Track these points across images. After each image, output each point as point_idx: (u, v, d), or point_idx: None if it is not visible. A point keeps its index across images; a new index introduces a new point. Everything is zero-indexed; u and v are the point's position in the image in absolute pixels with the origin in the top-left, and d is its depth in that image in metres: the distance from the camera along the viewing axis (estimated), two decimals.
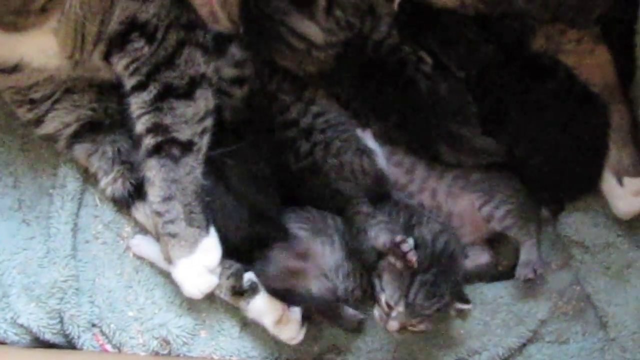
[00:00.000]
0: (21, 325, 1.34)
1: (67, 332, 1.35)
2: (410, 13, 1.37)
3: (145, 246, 1.40)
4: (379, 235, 1.27)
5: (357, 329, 1.33)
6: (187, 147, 1.30)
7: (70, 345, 1.36)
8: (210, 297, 1.36)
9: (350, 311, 1.33)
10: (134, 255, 1.41)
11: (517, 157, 1.35)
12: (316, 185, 1.35)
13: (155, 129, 1.29)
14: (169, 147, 1.29)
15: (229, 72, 1.40)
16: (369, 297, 1.33)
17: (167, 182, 1.30)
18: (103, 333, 1.37)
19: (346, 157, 1.35)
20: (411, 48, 1.38)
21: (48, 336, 1.34)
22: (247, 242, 1.32)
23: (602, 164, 1.34)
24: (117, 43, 1.29)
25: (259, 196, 1.34)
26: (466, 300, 1.29)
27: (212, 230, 1.32)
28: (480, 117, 1.37)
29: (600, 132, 1.33)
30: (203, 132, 1.32)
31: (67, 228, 1.40)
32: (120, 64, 1.31)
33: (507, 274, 1.36)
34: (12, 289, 1.36)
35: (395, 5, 1.38)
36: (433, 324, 1.28)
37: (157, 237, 1.35)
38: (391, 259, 1.26)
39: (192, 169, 1.31)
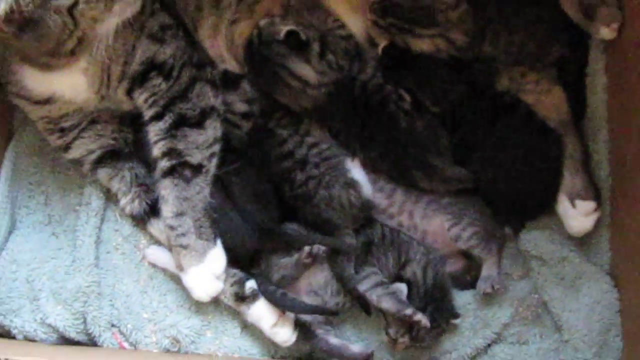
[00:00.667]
0: (49, 325, 1.35)
1: (90, 331, 1.36)
2: (392, 56, 1.39)
3: (158, 255, 1.41)
4: (381, 300, 1.27)
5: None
6: (197, 169, 1.33)
7: (92, 342, 1.37)
8: (215, 301, 1.38)
9: (356, 349, 1.32)
10: (149, 263, 1.42)
11: (483, 182, 1.37)
12: (307, 212, 1.36)
13: (169, 153, 1.32)
14: (181, 169, 1.32)
15: (240, 107, 1.43)
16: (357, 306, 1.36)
17: (180, 200, 1.32)
18: (121, 332, 1.38)
19: (334, 190, 1.35)
20: (393, 87, 1.40)
21: (73, 335, 1.36)
22: (251, 252, 1.35)
23: (557, 188, 1.36)
24: (138, 80, 1.33)
25: (262, 212, 1.35)
26: (456, 315, 1.32)
27: (219, 242, 1.34)
28: (452, 147, 1.39)
29: (555, 161, 1.35)
30: (211, 156, 1.35)
31: (90, 240, 1.41)
32: (140, 97, 1.34)
33: (474, 284, 1.36)
34: (41, 293, 1.37)
35: (379, 50, 1.40)
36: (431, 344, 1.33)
37: (170, 248, 1.36)
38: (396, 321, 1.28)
39: (201, 188, 1.33)
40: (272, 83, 1.38)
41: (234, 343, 1.39)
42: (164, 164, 1.33)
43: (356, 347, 1.32)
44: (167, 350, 1.38)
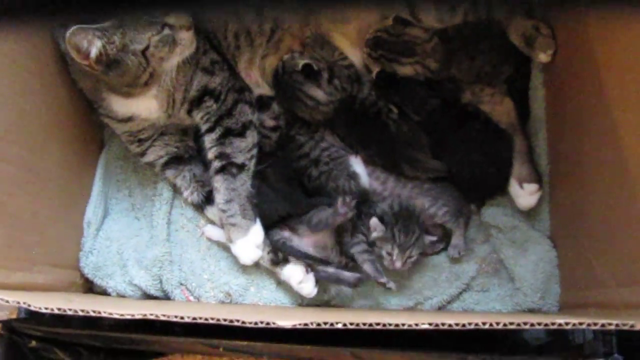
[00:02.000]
0: (135, 285, 1.41)
1: (165, 289, 1.41)
2: (383, 79, 1.42)
3: (213, 232, 1.45)
4: (364, 263, 1.32)
5: (356, 284, 1.35)
6: (241, 167, 1.37)
7: (166, 297, 1.42)
8: (257, 265, 1.41)
9: (348, 274, 1.36)
10: (206, 238, 1.46)
11: (453, 171, 1.39)
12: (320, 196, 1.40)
13: (220, 156, 1.37)
14: (229, 167, 1.36)
15: (269, 122, 1.48)
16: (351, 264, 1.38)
17: (229, 190, 1.36)
18: (188, 289, 1.42)
19: (340, 181, 1.39)
20: (384, 102, 1.43)
21: (152, 292, 1.41)
22: (283, 216, 1.39)
23: (508, 174, 1.37)
24: (195, 103, 1.37)
25: (290, 189, 1.41)
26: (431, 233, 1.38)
27: (258, 220, 1.37)
28: (430, 145, 1.41)
29: (506, 154, 1.38)
30: (251, 157, 1.39)
31: (163, 222, 1.46)
32: (197, 116, 1.39)
33: (447, 248, 1.39)
34: (128, 262, 1.42)
35: (374, 75, 1.44)
36: (418, 255, 1.33)
37: (221, 226, 1.40)
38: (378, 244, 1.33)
39: (244, 181, 1.37)
40: (293, 103, 1.42)
41: (271, 295, 1.42)
42: (216, 164, 1.37)
43: (348, 274, 1.35)
44: (222, 302, 1.41)
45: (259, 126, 1.44)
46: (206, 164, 1.42)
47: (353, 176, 1.40)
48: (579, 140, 1.23)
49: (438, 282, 1.39)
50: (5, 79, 1.17)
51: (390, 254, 1.32)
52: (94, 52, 1.16)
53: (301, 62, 1.39)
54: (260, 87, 1.49)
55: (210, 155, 1.39)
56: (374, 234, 1.33)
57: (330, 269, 1.36)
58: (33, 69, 1.25)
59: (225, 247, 1.45)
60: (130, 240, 1.47)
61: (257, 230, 1.37)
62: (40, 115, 1.27)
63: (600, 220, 1.14)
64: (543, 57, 1.31)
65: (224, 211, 1.37)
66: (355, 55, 1.48)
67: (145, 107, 1.36)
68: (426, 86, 1.42)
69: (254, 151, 1.40)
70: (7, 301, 1.01)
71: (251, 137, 1.40)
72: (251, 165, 1.40)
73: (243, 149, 1.38)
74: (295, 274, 1.37)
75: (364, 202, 1.39)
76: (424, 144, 1.41)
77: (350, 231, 1.37)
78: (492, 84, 1.40)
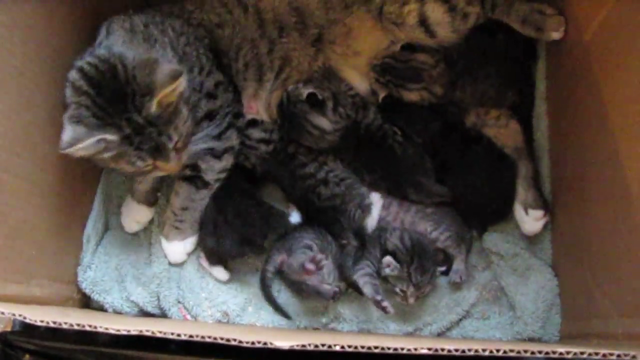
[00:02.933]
0: (132, 301, 1.40)
1: (162, 307, 1.40)
2: (389, 103, 1.44)
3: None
4: (364, 286, 1.30)
5: (334, 297, 1.33)
6: (206, 184, 1.38)
7: (163, 315, 1.41)
8: (255, 285, 1.41)
9: (327, 287, 1.34)
10: (202, 267, 1.44)
11: (456, 196, 1.38)
12: (328, 217, 1.41)
13: (193, 167, 1.36)
14: (196, 180, 1.37)
15: (257, 134, 1.46)
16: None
17: (188, 200, 1.38)
18: (185, 307, 1.40)
19: (350, 206, 1.40)
20: (389, 126, 1.43)
21: (149, 309, 1.41)
22: (231, 255, 1.41)
23: (511, 201, 1.37)
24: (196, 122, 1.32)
25: (245, 228, 1.37)
26: (440, 264, 1.37)
27: (196, 235, 1.42)
28: (434, 170, 1.41)
29: (509, 180, 1.37)
30: (218, 180, 1.40)
31: (162, 239, 1.43)
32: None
33: (448, 273, 1.38)
34: (127, 278, 1.42)
35: (380, 99, 1.46)
36: (432, 285, 1.34)
37: (163, 223, 1.42)
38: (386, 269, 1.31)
39: (204, 197, 1.39)
40: (298, 132, 1.42)
41: (269, 317, 1.40)
42: (187, 172, 1.37)
43: (327, 287, 1.33)
44: (219, 321, 1.39)
45: (244, 136, 1.45)
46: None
47: (364, 208, 1.41)
48: (581, 169, 1.23)
49: (438, 308, 1.38)
50: (12, 91, 1.17)
51: (404, 292, 1.32)
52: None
53: (305, 92, 1.40)
54: (262, 117, 1.49)
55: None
56: (387, 271, 1.31)
57: (310, 282, 1.34)
58: (40, 83, 1.26)
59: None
60: (129, 256, 1.47)
61: (192, 241, 1.43)
62: (45, 129, 1.27)
63: (603, 249, 1.13)
64: (556, 34, 1.31)
65: (175, 214, 1.40)
66: (361, 84, 1.50)
67: None
68: (428, 109, 1.43)
69: (223, 175, 1.41)
70: (3, 313, 1.00)
71: (226, 161, 1.40)
72: (215, 186, 1.40)
73: (216, 169, 1.39)
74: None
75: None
76: (428, 168, 1.42)
77: (353, 258, 1.36)
78: (497, 107, 1.41)
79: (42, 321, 1.00)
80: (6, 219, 1.16)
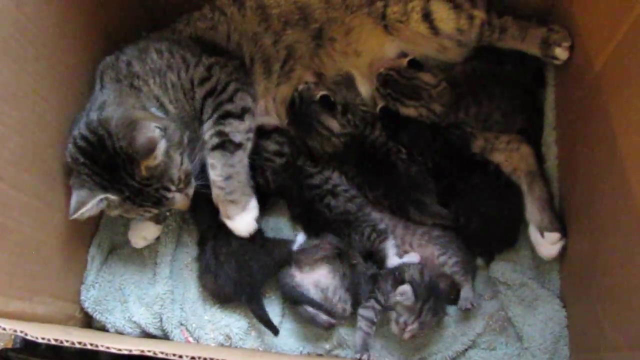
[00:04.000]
0: (134, 322, 1.39)
1: (164, 328, 1.39)
2: (387, 115, 1.45)
3: None
4: (357, 333, 1.30)
5: (327, 328, 1.34)
6: (238, 146, 1.35)
7: (165, 337, 1.39)
8: None
9: (324, 317, 1.33)
10: None
11: (461, 223, 1.38)
12: (340, 231, 1.41)
13: (218, 134, 1.34)
14: (227, 144, 1.34)
15: (272, 147, 1.49)
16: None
17: (227, 167, 1.33)
18: (187, 330, 1.39)
19: (364, 225, 1.40)
20: (393, 144, 1.45)
21: (151, 330, 1.39)
22: (227, 298, 1.39)
23: (518, 229, 1.37)
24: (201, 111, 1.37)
25: (237, 272, 1.36)
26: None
27: (254, 196, 1.36)
28: (438, 195, 1.41)
29: (515, 208, 1.37)
30: (248, 139, 1.37)
31: (167, 259, 1.45)
32: (203, 116, 1.37)
33: (455, 301, 1.36)
34: (130, 298, 1.41)
35: (377, 109, 1.47)
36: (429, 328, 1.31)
37: (217, 203, 1.35)
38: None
39: (242, 158, 1.35)
40: (307, 131, 1.45)
41: (272, 341, 1.38)
42: (214, 140, 1.34)
43: (324, 317, 1.33)
44: (222, 345, 1.38)
45: (262, 150, 1.46)
46: (203, 144, 1.38)
47: (379, 233, 1.41)
48: (591, 199, 1.23)
49: (443, 338, 1.36)
50: (23, 108, 1.19)
51: (405, 324, 1.29)
52: None
53: (319, 93, 1.44)
54: (269, 115, 1.51)
55: (207, 136, 1.35)
56: (398, 298, 1.28)
57: (309, 310, 1.34)
58: (51, 100, 1.27)
59: None
60: (133, 276, 1.46)
61: (254, 205, 1.37)
62: (54, 146, 1.29)
63: (613, 280, 1.12)
64: (560, 52, 1.33)
65: (222, 188, 1.34)
66: (364, 87, 1.51)
67: None
68: (431, 130, 1.44)
69: (251, 135, 1.39)
70: (4, 329, 1.00)
71: (249, 121, 1.39)
72: (248, 145, 1.38)
73: (241, 130, 1.36)
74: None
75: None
76: (431, 188, 1.42)
77: (365, 287, 1.36)
78: (505, 132, 1.41)
79: (43, 338, 1.00)
80: (12, 234, 1.17)
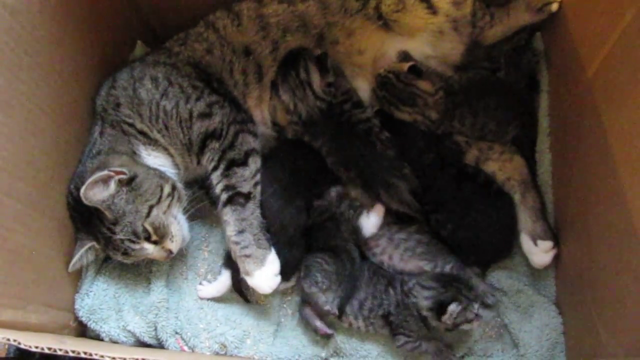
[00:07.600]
0: (129, 331, 1.39)
1: (159, 337, 1.38)
2: (382, 116, 1.45)
3: (206, 290, 1.44)
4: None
5: (323, 336, 1.36)
6: (247, 196, 1.35)
7: (160, 345, 1.39)
8: (254, 316, 1.41)
9: (320, 324, 1.35)
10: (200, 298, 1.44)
11: (449, 231, 1.37)
12: (329, 232, 1.42)
13: (226, 188, 1.36)
14: (237, 198, 1.35)
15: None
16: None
17: (239, 221, 1.33)
18: (182, 338, 1.39)
19: (342, 208, 1.43)
20: (379, 123, 1.43)
21: (146, 339, 1.39)
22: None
23: (512, 238, 1.36)
24: (200, 149, 1.39)
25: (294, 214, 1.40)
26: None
27: (273, 249, 1.34)
28: (426, 202, 1.38)
29: (507, 218, 1.37)
30: (256, 184, 1.38)
31: (163, 268, 1.44)
32: (203, 159, 1.40)
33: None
34: (124, 306, 1.41)
35: (374, 111, 1.46)
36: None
37: (235, 260, 1.35)
38: None
39: (253, 210, 1.35)
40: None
41: (267, 349, 1.39)
42: (223, 196, 1.35)
43: (321, 324, 1.34)
44: (217, 353, 1.38)
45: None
46: (214, 199, 1.41)
47: (355, 208, 1.44)
48: (585, 206, 1.24)
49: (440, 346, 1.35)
50: (17, 116, 1.19)
51: (477, 317, 1.26)
52: None
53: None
54: (266, 125, 1.51)
55: (217, 190, 1.38)
56: (445, 319, 1.25)
57: (306, 312, 1.36)
58: (45, 109, 1.27)
59: (222, 298, 1.45)
60: (128, 285, 1.45)
61: (273, 259, 1.34)
62: (48, 154, 1.29)
63: (608, 286, 1.12)
64: (554, 5, 1.37)
65: (236, 243, 1.34)
66: (365, 84, 1.52)
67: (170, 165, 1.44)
68: (426, 139, 1.44)
69: (257, 177, 1.40)
70: None
71: (254, 164, 1.39)
72: (256, 192, 1.38)
73: (247, 177, 1.37)
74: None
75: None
76: (405, 174, 1.40)
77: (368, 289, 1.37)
78: (498, 142, 1.41)
79: (37, 347, 0.99)
80: (6, 242, 1.16)
